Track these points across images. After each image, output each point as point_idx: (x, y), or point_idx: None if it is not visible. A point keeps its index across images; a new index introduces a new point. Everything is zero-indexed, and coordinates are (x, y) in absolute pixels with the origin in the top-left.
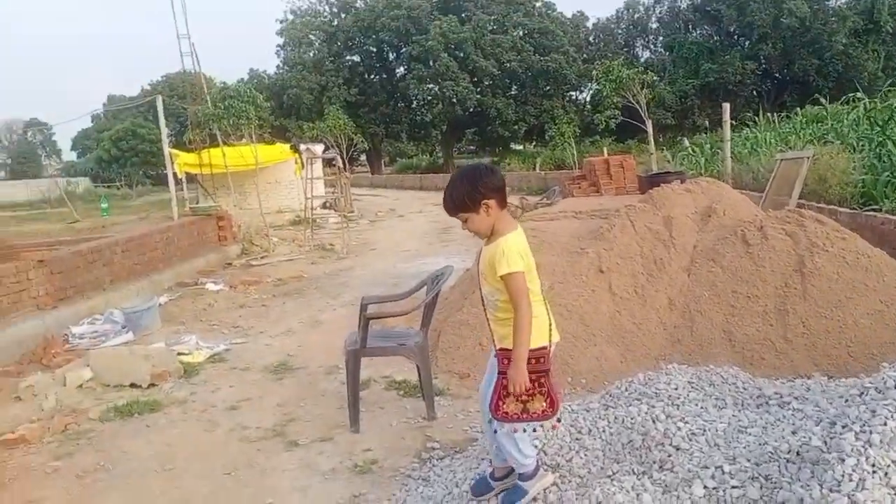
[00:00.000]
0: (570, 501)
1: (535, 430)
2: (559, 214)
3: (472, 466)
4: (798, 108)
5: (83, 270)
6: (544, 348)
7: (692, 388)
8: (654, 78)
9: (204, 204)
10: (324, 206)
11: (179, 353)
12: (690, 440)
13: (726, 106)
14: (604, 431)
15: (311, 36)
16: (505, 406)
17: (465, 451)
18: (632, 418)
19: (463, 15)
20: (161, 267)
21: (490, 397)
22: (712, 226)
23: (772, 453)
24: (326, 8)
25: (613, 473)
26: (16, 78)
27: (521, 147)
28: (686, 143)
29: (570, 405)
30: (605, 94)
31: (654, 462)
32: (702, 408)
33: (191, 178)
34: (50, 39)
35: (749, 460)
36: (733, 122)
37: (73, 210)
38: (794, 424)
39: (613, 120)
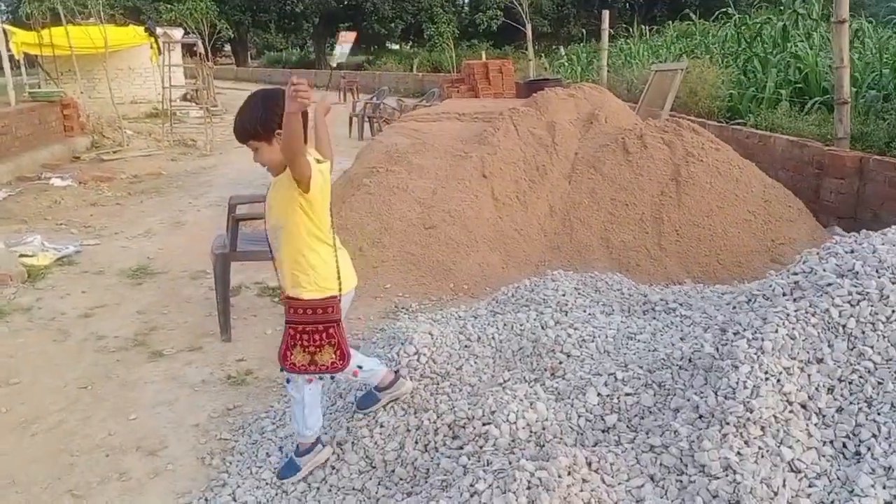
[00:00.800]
0: (462, 410)
1: (321, 379)
2: (441, 116)
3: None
4: (669, 23)
5: None
6: (334, 297)
7: (578, 294)
8: None
9: (46, 89)
10: (184, 98)
11: (22, 255)
12: (581, 347)
13: (605, 13)
14: (493, 338)
15: None
16: (293, 356)
17: None
18: (521, 325)
19: None
20: None
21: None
22: (594, 133)
23: (664, 360)
24: None
25: (505, 381)
26: None
27: (397, 47)
28: (562, 51)
29: (455, 311)
30: None
31: (546, 369)
32: (590, 314)
33: (32, 62)
34: None
35: (641, 367)
36: (610, 31)
37: None
38: (682, 331)
39: (495, 21)
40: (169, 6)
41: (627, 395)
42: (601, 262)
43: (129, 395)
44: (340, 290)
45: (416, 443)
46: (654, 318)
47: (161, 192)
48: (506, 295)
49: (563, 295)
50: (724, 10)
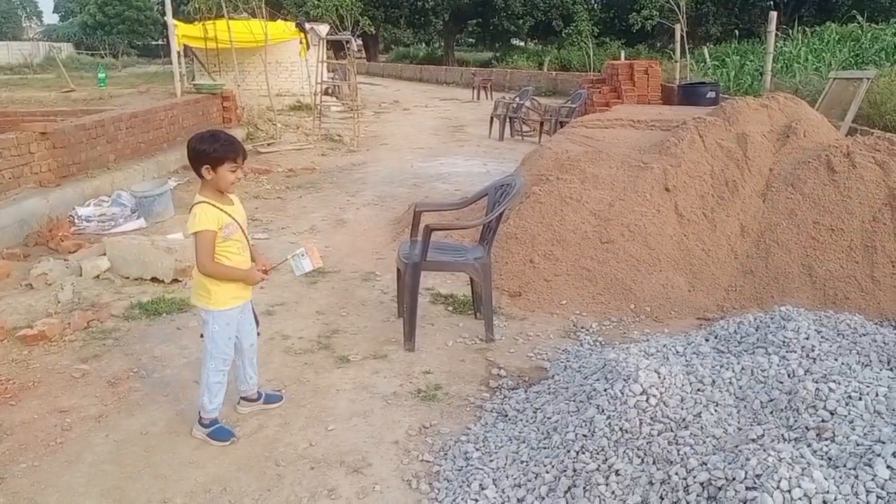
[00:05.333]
0: (718, 469)
1: None
2: (614, 122)
3: (550, 400)
4: (816, 27)
5: (87, 146)
6: None
7: (822, 337)
8: None
9: (206, 81)
10: (325, 93)
11: None
12: (847, 405)
13: (773, 15)
14: (731, 384)
15: None
16: None
17: (540, 383)
18: (763, 370)
19: None
20: (165, 147)
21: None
22: (791, 148)
23: None
24: None
25: (758, 437)
26: None
27: (522, 44)
28: (706, 52)
29: (669, 343)
30: None
31: (808, 428)
32: (844, 364)
33: (183, 53)
34: None
35: None
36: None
37: (67, 78)
38: None
39: (650, 21)
40: (316, 2)
41: None
42: (802, 293)
43: (323, 403)
44: None
45: (663, 499)
46: None
47: (317, 188)
48: (725, 330)
49: (807, 338)
50: (879, 13)
